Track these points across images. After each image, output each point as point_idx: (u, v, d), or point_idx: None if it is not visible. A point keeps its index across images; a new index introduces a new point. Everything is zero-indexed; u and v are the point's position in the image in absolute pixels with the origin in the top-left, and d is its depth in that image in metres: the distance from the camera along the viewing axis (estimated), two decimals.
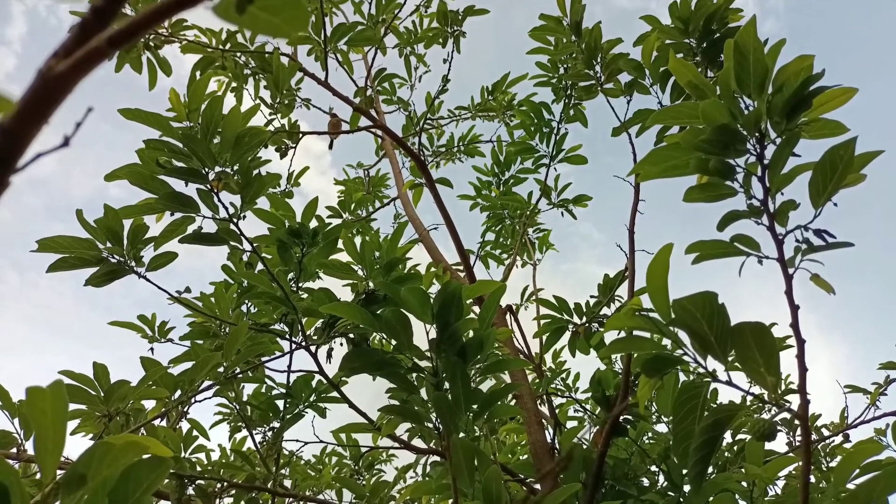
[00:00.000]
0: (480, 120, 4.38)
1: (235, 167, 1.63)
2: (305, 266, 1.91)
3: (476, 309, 2.91)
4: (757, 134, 1.00)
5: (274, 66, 2.85)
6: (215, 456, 2.48)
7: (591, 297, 2.56)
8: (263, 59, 3.45)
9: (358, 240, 4.39)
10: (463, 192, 4.06)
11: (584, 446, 2.18)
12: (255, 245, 1.76)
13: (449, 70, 3.13)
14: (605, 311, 2.48)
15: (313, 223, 1.94)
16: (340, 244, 1.88)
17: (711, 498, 1.55)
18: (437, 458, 1.97)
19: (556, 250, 4.11)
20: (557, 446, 2.26)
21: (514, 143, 3.43)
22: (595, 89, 2.62)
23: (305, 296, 1.91)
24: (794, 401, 3.01)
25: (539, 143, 3.35)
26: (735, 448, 2.22)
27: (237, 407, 2.10)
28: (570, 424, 2.93)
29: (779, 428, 1.81)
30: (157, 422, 1.81)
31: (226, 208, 1.61)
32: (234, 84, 3.52)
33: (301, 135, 2.74)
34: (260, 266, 2.39)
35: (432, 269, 2.50)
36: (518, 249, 3.57)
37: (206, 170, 1.57)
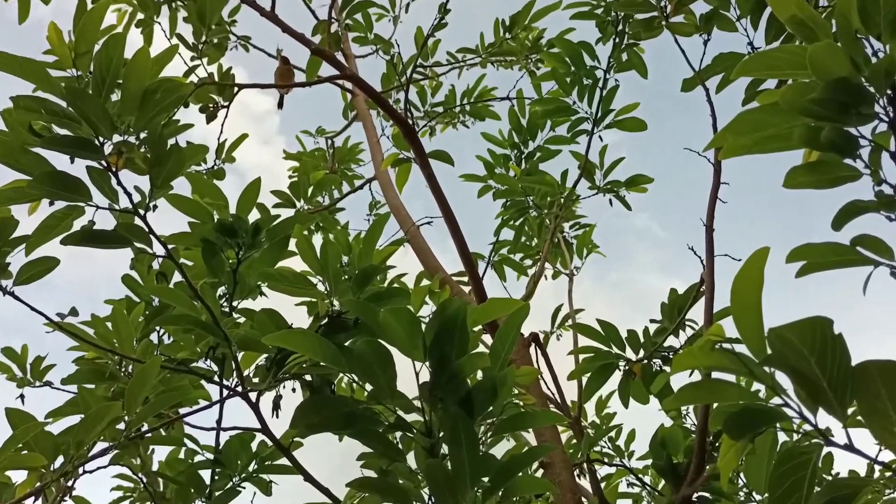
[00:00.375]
0: (493, 67, 4.40)
1: (142, 135, 1.63)
2: (242, 277, 1.91)
3: (487, 339, 2.92)
4: (890, 92, 1.01)
5: None
6: None
7: (652, 321, 2.57)
8: None
9: (318, 239, 4.41)
10: (468, 169, 4.07)
11: None
12: (169, 247, 1.77)
13: None
14: (671, 341, 2.49)
15: (254, 215, 1.95)
16: (293, 245, 1.88)
17: None
18: None
19: (602, 254, 4.14)
20: None
21: (542, 100, 3.45)
22: (658, 24, 2.63)
23: (242, 320, 1.92)
24: None
25: (577, 101, 3.37)
26: None
27: (144, 480, 2.10)
28: None
29: None
30: (29, 502, 1.81)
31: (129, 194, 1.62)
32: (140, 15, 3.54)
33: (237, 88, 2.75)
34: (177, 277, 2.40)
35: (424, 282, 2.50)
36: (547, 253, 3.58)
37: (102, 139, 1.57)
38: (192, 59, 3.06)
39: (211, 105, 2.79)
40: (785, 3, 1.07)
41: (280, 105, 3.98)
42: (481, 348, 1.64)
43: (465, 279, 3.89)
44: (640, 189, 3.58)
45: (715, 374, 1.05)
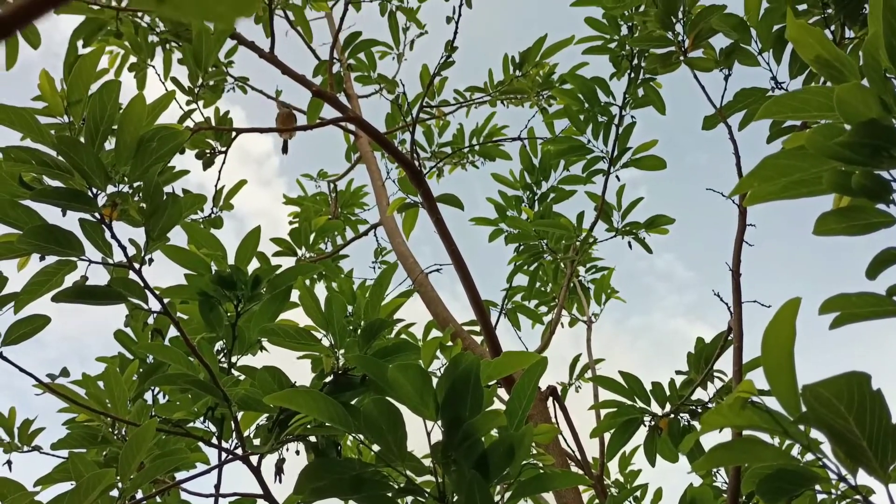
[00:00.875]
0: (503, 105, 4.45)
1: (137, 185, 1.65)
2: (242, 332, 1.92)
3: (503, 393, 2.91)
4: None
5: (193, 31, 2.91)
6: None
7: (678, 372, 2.55)
8: (177, 22, 3.51)
9: (321, 289, 4.42)
10: (478, 212, 4.10)
11: None
12: (165, 302, 1.78)
13: (456, 32, 3.15)
14: (699, 394, 2.47)
15: (253, 265, 1.96)
16: (295, 297, 1.89)
17: None
18: None
19: (622, 299, 4.13)
20: None
21: (556, 139, 3.48)
22: (676, 59, 2.66)
23: (242, 378, 1.92)
24: None
25: (592, 139, 3.39)
26: None
27: None
28: None
29: None
30: None
31: (123, 247, 1.63)
32: (133, 58, 3.59)
33: (235, 133, 2.78)
34: (173, 332, 2.41)
35: (434, 335, 2.50)
36: (564, 300, 3.58)
37: (95, 191, 1.59)
38: (188, 102, 3.10)
39: (208, 151, 2.82)
40: (808, 44, 1.08)
41: (284, 150, 4.01)
42: (497, 404, 1.63)
43: (478, 328, 3.91)
44: (662, 231, 3.59)
45: (747, 432, 1.05)
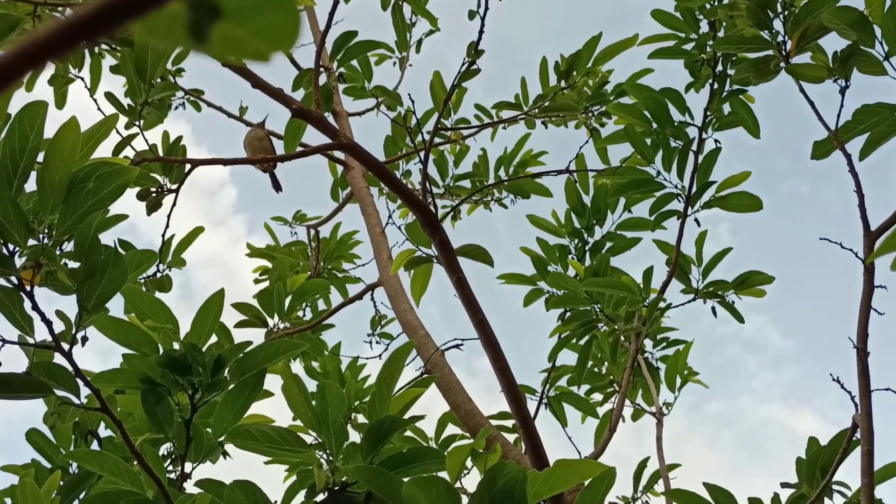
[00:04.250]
0: (542, 125, 4.46)
1: (66, 239, 1.67)
2: (199, 432, 1.92)
3: None
4: None
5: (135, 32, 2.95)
6: None
7: (784, 485, 2.53)
8: None
9: (298, 368, 4.41)
10: (508, 266, 4.08)
11: None
12: (98, 391, 1.79)
13: (482, 31, 3.18)
14: None
15: (211, 340, 1.97)
16: (274, 383, 1.90)
17: None
18: None
19: (703, 384, 4.12)
20: None
21: (613, 170, 3.48)
22: (775, 65, 2.67)
23: (200, 492, 1.92)
24: None
25: (663, 171, 3.40)
26: None
27: None
28: None
29: None
30: None
31: (48, 322, 1.64)
32: (50, 68, 3.63)
33: (189, 166, 2.79)
34: (107, 431, 2.41)
35: (462, 441, 2.48)
36: (627, 386, 3.56)
37: (12, 247, 1.61)
38: (127, 125, 3.12)
39: (154, 189, 2.82)
40: None
41: (276, 187, 4.03)
42: None
43: (508, 423, 3.87)
44: (756, 292, 3.57)
45: None
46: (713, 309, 3.61)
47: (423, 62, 4.75)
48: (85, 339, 1.70)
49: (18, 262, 1.62)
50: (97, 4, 0.32)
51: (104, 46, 3.71)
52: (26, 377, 1.66)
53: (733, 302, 3.59)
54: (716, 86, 3.25)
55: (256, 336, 4.16)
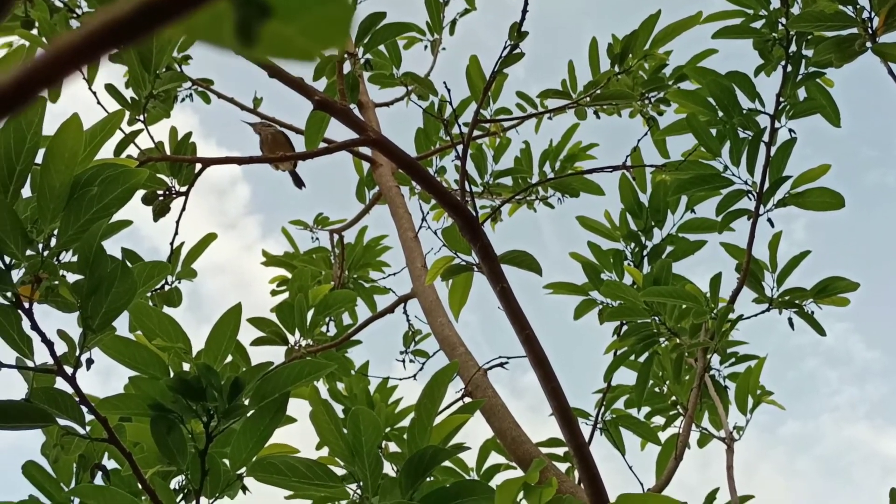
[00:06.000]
0: (593, 114, 4.44)
1: (71, 252, 1.67)
2: (216, 464, 1.93)
3: None
4: None
5: None
6: None
7: None
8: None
9: (322, 389, 4.40)
10: (555, 275, 4.05)
11: None
12: (106, 419, 1.79)
13: (525, 10, 3.16)
14: None
15: (227, 360, 1.98)
16: (303, 409, 1.90)
17: None
18: None
19: (779, 405, 4.09)
20: None
21: (676, 165, 3.46)
22: (860, 45, 2.65)
23: None
24: None
25: (731, 165, 3.38)
26: None
27: None
28: None
29: None
30: None
31: (49, 343, 1.65)
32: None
33: (200, 166, 2.79)
34: (111, 462, 2.42)
35: (509, 472, 2.47)
36: (694, 409, 3.54)
37: (8, 259, 1.61)
38: (130, 120, 3.12)
39: (161, 192, 2.83)
40: None
41: (297, 182, 4.02)
42: None
43: (559, 451, 3.84)
44: (839, 301, 3.53)
45: None
46: (790, 320, 3.57)
47: (456, 45, 4.74)
48: (90, 361, 1.71)
49: (16, 276, 1.62)
50: (135, 4, 0.32)
51: None
52: (26, 405, 1.66)
53: (812, 312, 3.55)
54: (789, 68, 3.22)
55: (275, 354, 4.16)
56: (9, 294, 1.62)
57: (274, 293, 4.95)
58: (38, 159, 1.63)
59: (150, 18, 0.32)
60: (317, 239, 5.15)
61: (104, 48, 0.33)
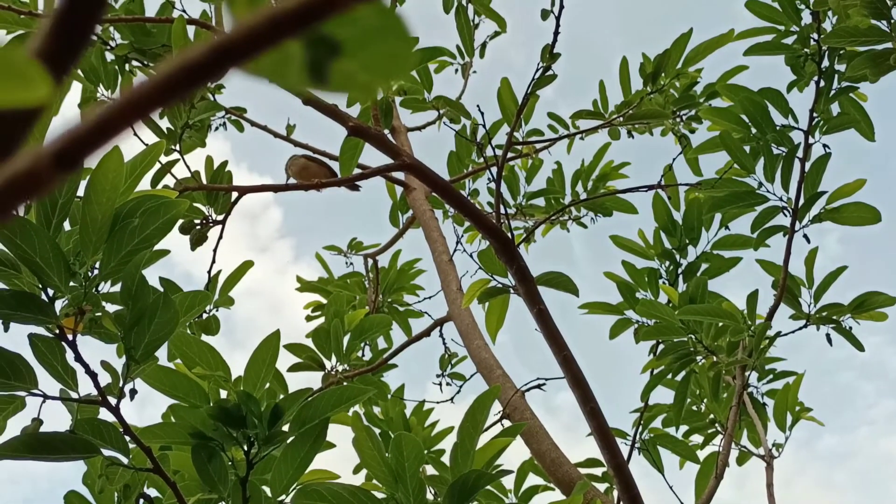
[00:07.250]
0: (626, 133, 4.43)
1: (110, 283, 1.68)
2: (257, 491, 1.93)
3: None
4: None
5: (174, 40, 2.98)
6: None
7: None
8: (143, 31, 3.61)
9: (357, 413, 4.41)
10: (589, 294, 4.05)
11: None
12: (150, 449, 1.80)
13: (557, 34, 3.16)
14: None
15: (265, 387, 1.98)
16: (339, 433, 1.90)
17: None
18: None
19: (818, 421, 4.07)
20: None
21: (712, 182, 3.45)
22: (894, 59, 2.64)
23: None
24: None
25: (765, 181, 3.37)
26: None
27: None
28: None
29: None
30: None
31: (93, 375, 1.65)
32: (77, 86, 3.70)
33: (236, 195, 2.80)
34: (151, 491, 2.43)
35: (548, 493, 2.47)
36: (734, 427, 3.52)
37: (51, 292, 1.62)
38: (167, 150, 3.14)
39: (198, 221, 2.83)
40: None
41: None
42: None
43: (597, 471, 3.83)
44: (877, 316, 3.50)
45: None
46: (828, 336, 3.55)
47: (486, 66, 4.74)
48: (133, 392, 1.71)
49: (59, 308, 1.63)
50: (209, 48, 0.33)
51: (135, 63, 3.77)
52: (70, 436, 1.67)
53: (850, 328, 3.53)
54: (822, 83, 3.21)
55: (311, 380, 4.16)
56: (53, 326, 1.63)
57: (309, 318, 4.95)
58: (80, 192, 1.64)
59: (225, 60, 0.33)
60: (351, 264, 5.16)
61: (179, 92, 0.33)
